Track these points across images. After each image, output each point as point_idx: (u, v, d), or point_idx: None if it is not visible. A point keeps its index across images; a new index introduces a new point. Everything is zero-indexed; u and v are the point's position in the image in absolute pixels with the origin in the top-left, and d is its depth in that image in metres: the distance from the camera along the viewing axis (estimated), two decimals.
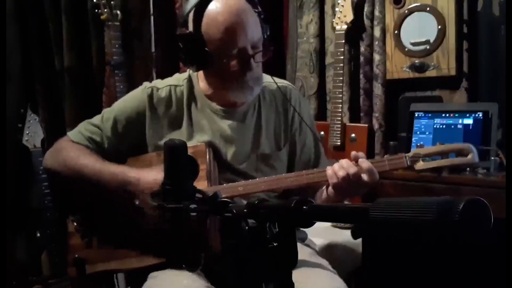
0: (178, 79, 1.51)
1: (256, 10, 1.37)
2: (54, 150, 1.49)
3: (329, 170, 1.30)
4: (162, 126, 1.45)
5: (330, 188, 1.32)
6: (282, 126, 1.51)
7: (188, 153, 0.89)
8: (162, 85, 1.48)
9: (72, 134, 1.48)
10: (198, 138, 1.44)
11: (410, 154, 1.32)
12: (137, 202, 1.31)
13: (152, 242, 1.34)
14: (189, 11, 1.36)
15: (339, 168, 1.28)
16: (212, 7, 1.32)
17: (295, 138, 1.53)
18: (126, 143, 1.47)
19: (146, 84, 1.50)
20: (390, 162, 1.31)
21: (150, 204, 0.89)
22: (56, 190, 2.34)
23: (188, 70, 1.49)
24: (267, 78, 1.48)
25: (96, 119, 1.49)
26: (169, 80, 1.51)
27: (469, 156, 1.27)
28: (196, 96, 1.48)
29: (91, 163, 1.38)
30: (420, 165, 1.30)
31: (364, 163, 1.28)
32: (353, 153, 1.31)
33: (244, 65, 1.34)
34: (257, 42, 1.36)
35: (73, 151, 1.43)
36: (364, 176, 1.27)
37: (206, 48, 1.33)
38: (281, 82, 1.54)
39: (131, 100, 1.49)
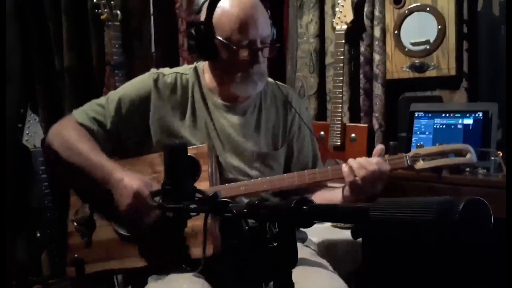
0: (185, 68, 1.54)
1: (267, 11, 1.42)
2: (58, 128, 1.48)
3: (345, 168, 1.31)
4: (166, 110, 1.46)
5: (346, 188, 1.34)
6: (281, 128, 1.53)
7: (191, 154, 0.89)
8: (168, 72, 1.51)
9: (77, 113, 1.48)
10: (200, 130, 1.46)
11: (410, 154, 1.33)
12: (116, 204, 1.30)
13: (152, 242, 1.34)
14: (204, 1, 1.39)
15: (359, 167, 1.28)
16: (226, 0, 1.37)
17: (292, 142, 1.55)
18: (128, 127, 1.46)
19: (153, 70, 1.52)
20: (391, 162, 1.32)
21: (150, 203, 0.89)
22: (56, 190, 2.35)
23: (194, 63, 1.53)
24: (269, 81, 1.53)
25: (102, 99, 1.49)
26: (176, 69, 1.54)
27: (467, 156, 1.30)
28: (200, 86, 1.50)
29: (86, 149, 1.37)
30: (420, 164, 1.31)
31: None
32: (381, 146, 1.33)
33: (253, 57, 1.38)
34: (266, 38, 1.41)
35: (74, 133, 1.42)
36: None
37: (217, 37, 1.37)
38: (283, 85, 1.58)
39: (137, 83, 1.51)
